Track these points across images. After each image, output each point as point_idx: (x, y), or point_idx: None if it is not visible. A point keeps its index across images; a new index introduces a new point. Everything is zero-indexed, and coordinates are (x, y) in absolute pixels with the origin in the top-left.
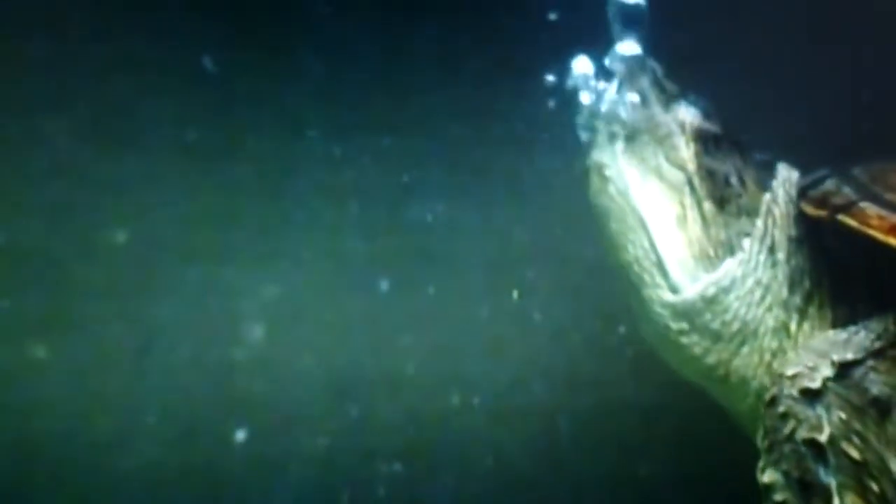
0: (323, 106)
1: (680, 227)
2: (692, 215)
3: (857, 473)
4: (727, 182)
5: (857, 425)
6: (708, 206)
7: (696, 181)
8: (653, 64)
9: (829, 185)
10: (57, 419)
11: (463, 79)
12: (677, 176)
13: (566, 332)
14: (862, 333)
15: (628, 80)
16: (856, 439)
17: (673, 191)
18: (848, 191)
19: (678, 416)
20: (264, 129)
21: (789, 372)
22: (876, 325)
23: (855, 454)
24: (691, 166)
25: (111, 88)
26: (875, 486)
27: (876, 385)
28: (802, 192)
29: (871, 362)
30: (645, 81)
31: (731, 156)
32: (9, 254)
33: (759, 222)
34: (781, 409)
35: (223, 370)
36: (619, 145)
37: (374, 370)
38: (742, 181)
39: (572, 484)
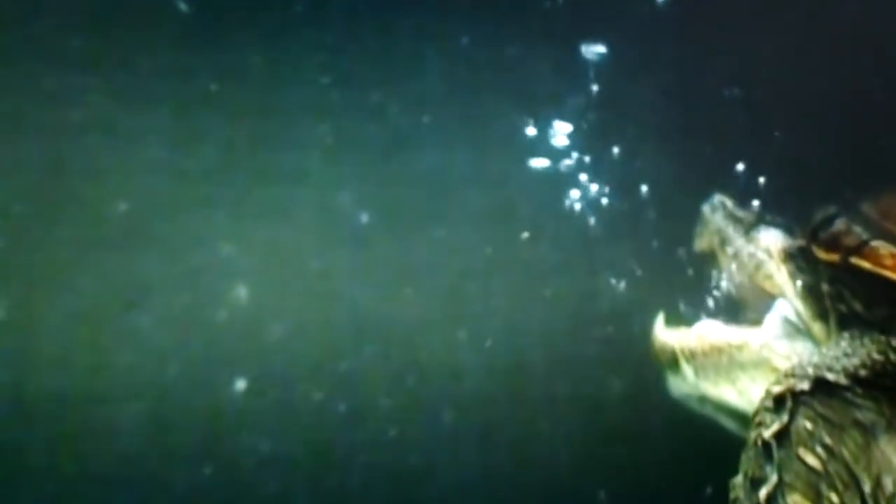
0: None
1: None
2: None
3: (811, 479)
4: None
5: (828, 439)
6: (817, 327)
7: (799, 305)
8: (721, 198)
9: (840, 224)
10: (47, 372)
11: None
12: None
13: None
14: (849, 359)
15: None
16: (819, 449)
17: None
18: (858, 230)
19: None
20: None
21: (773, 388)
22: (863, 352)
23: (812, 461)
24: (789, 290)
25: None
26: (835, 498)
27: (860, 410)
28: (813, 235)
29: (859, 389)
30: (720, 219)
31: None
32: None
33: None
34: (757, 418)
35: (213, 323)
36: None
37: (366, 323)
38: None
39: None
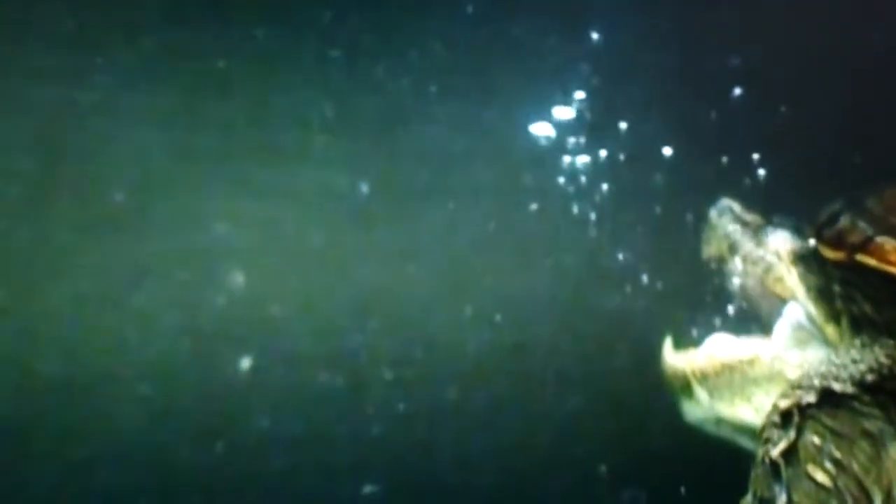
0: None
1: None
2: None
3: (821, 497)
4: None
5: (836, 453)
6: (830, 329)
7: (810, 307)
8: (728, 203)
9: (844, 221)
10: (51, 355)
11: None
12: None
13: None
14: (856, 365)
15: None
16: (828, 464)
17: None
18: (863, 226)
19: None
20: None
21: (779, 402)
22: (870, 357)
23: (821, 478)
24: (800, 292)
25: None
26: None
27: (868, 419)
28: (818, 232)
29: (866, 397)
30: (727, 223)
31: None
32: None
33: None
34: (765, 434)
35: (212, 307)
36: None
37: (368, 302)
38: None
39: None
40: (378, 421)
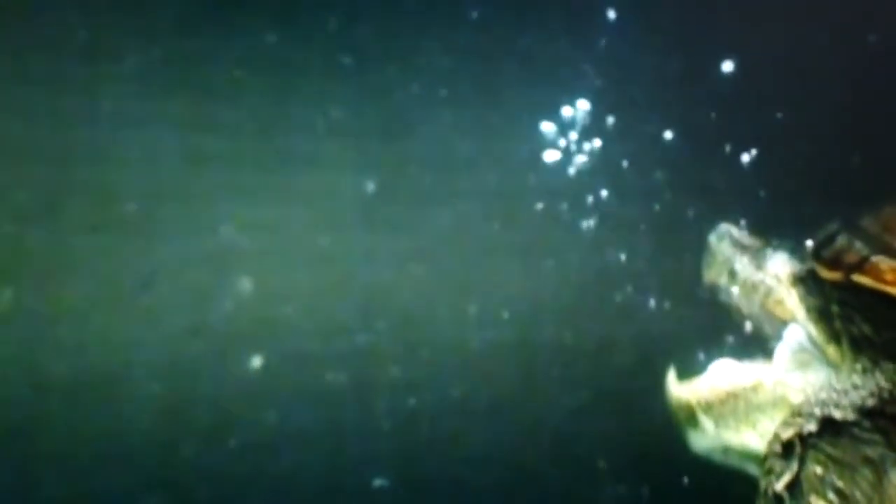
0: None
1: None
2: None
3: None
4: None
5: (839, 482)
6: (831, 350)
7: (811, 329)
8: (727, 228)
9: (841, 241)
10: (62, 356)
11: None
12: None
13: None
14: (857, 391)
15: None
16: (831, 495)
17: None
18: (860, 246)
19: None
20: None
21: (781, 431)
22: (871, 383)
23: None
24: (800, 314)
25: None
26: None
27: (869, 445)
28: (816, 253)
29: (866, 423)
30: (727, 248)
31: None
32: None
33: None
34: (766, 465)
35: (223, 308)
36: None
37: (375, 307)
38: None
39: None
40: (385, 418)
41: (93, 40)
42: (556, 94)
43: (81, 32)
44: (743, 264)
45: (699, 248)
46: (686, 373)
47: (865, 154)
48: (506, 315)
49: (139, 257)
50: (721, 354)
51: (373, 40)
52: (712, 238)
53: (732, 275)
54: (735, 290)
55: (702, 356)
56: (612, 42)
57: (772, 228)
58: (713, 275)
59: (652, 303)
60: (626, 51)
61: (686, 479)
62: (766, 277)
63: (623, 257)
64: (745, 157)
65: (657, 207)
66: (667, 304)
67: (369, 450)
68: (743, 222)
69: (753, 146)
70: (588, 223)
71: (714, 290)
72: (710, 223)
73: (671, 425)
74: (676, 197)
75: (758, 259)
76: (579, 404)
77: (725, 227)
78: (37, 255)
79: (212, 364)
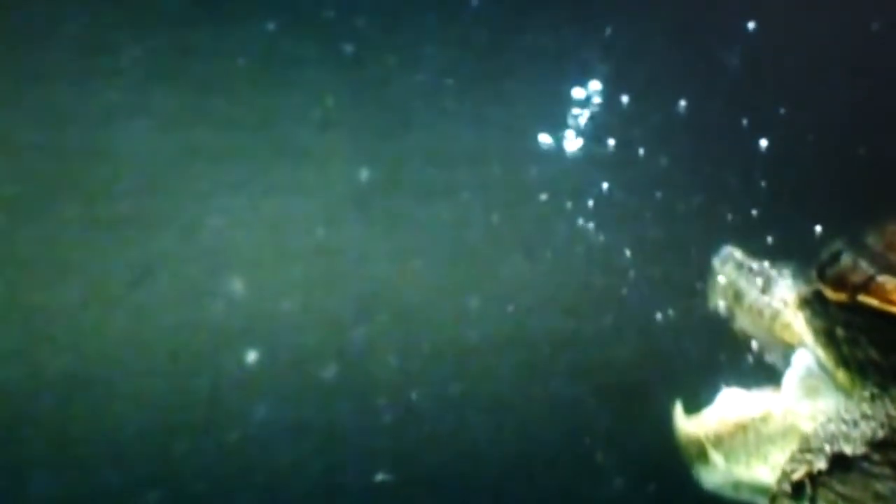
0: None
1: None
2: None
3: None
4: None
5: None
6: (840, 375)
7: (819, 353)
8: (730, 250)
9: (846, 260)
10: (54, 352)
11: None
12: None
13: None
14: (867, 422)
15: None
16: None
17: None
18: (865, 265)
19: None
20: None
21: (789, 468)
22: (881, 412)
23: None
24: (808, 338)
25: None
26: None
27: (879, 480)
28: (820, 273)
29: (876, 456)
30: (731, 272)
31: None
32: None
33: None
34: None
35: (219, 303)
36: None
37: (373, 301)
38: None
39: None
40: (383, 414)
41: (85, 33)
42: (558, 86)
43: (74, 24)
44: (748, 287)
45: (703, 242)
46: (693, 392)
47: (871, 153)
48: (506, 309)
49: (133, 252)
50: (724, 354)
51: (371, 31)
52: (715, 261)
53: (738, 298)
54: (741, 314)
55: (704, 355)
56: (617, 32)
57: (779, 223)
58: (718, 300)
59: (655, 297)
60: (631, 42)
61: (688, 476)
62: (773, 300)
63: (626, 251)
64: (754, 149)
65: (661, 200)
66: (670, 299)
67: (367, 445)
68: (740, 251)
69: (762, 137)
70: (590, 216)
71: (728, 316)
72: (714, 218)
73: (671, 423)
74: (681, 189)
75: (763, 282)
76: (580, 399)
77: (728, 250)
78: (28, 251)
79: (207, 359)
